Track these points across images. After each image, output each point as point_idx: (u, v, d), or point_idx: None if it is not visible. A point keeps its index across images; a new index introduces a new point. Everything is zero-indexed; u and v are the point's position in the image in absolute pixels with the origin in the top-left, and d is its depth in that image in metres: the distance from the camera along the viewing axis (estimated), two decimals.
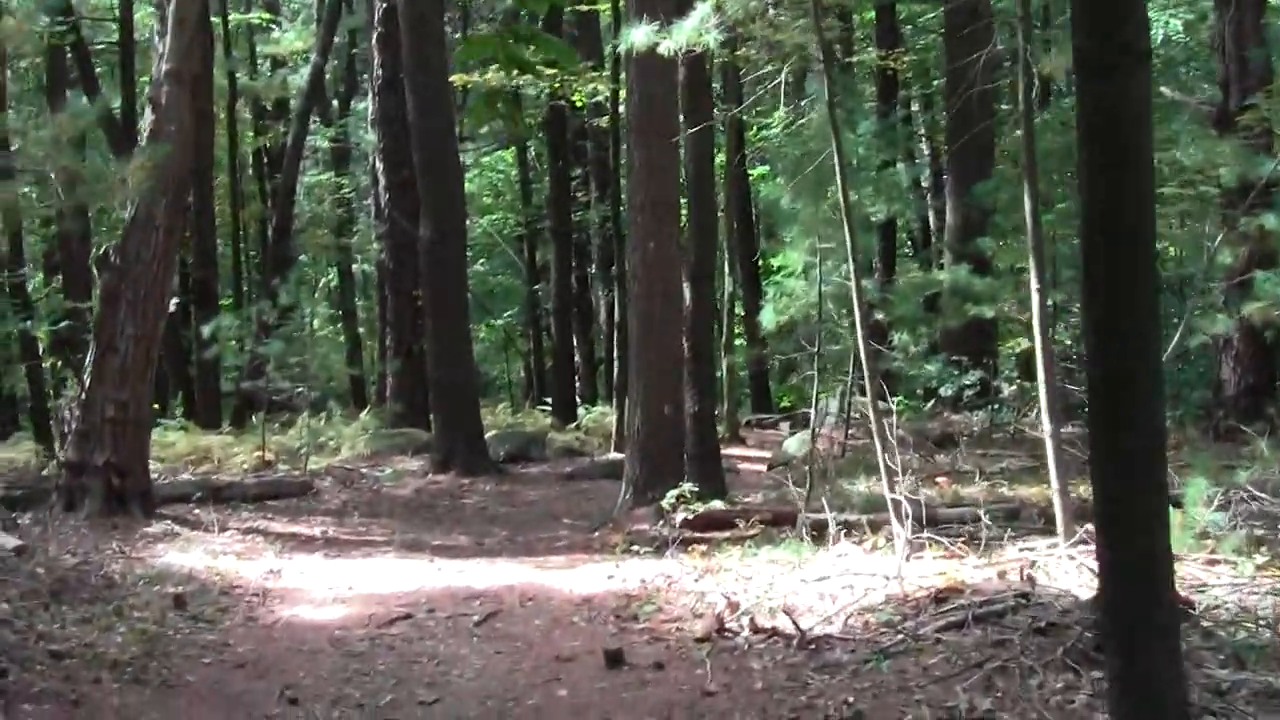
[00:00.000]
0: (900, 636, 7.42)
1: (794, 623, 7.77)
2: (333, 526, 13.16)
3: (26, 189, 13.76)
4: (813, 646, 7.46)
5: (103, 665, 7.32)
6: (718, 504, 12.24)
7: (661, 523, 12.04)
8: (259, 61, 31.67)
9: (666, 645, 7.88)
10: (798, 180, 14.19)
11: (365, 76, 31.01)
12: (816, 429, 15.04)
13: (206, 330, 18.37)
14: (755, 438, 22.86)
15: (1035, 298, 9.76)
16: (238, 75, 28.31)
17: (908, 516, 9.58)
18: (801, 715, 6.26)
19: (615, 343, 21.12)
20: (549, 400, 28.52)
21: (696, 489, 12.56)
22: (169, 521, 12.25)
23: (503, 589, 9.85)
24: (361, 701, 6.98)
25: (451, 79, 19.32)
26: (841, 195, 10.86)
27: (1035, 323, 9.89)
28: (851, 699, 6.37)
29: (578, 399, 27.80)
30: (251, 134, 32.75)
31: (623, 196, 18.17)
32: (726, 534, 11.71)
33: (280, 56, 31.46)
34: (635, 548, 11.29)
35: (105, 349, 12.41)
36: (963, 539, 9.93)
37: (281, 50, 30.88)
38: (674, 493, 11.54)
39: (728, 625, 8.19)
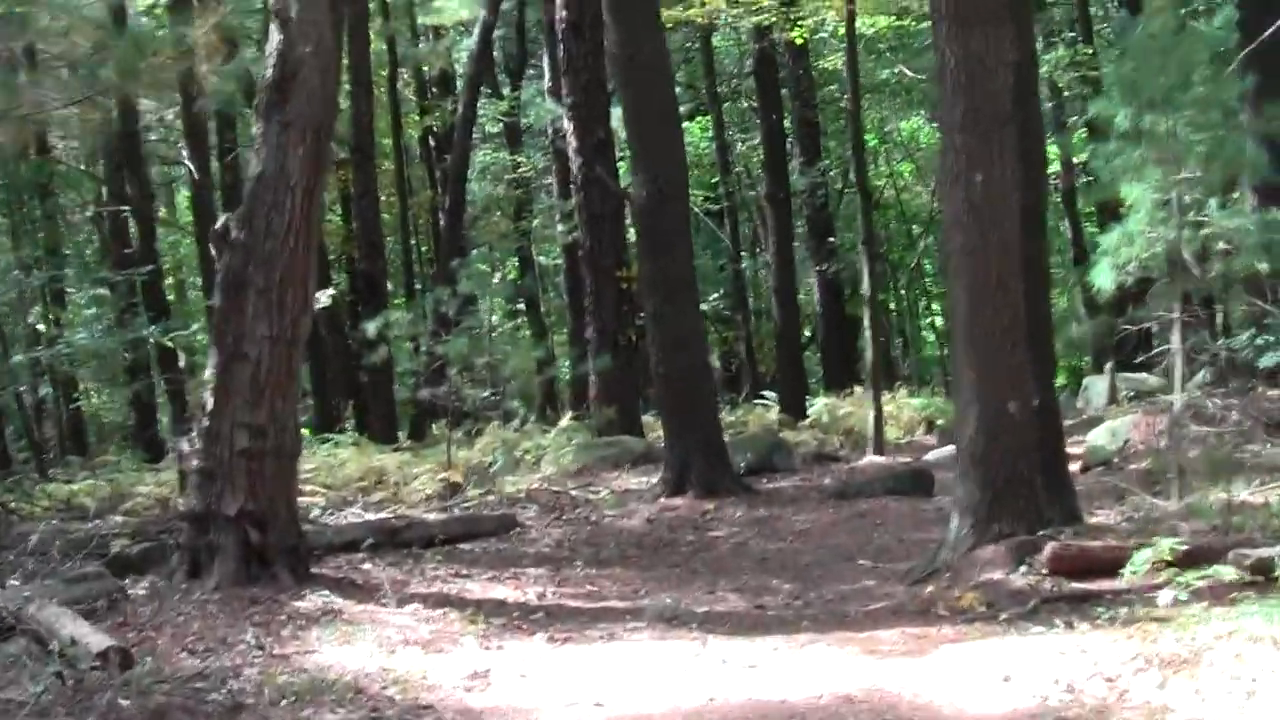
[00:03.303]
0: None
1: None
2: (550, 584, 9.64)
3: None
4: None
5: None
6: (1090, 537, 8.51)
7: (1025, 569, 8.34)
8: (420, 34, 28.64)
9: None
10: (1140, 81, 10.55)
11: (538, 39, 27.88)
12: (1177, 421, 11.22)
13: (372, 328, 15.04)
14: None
15: None
16: (397, 42, 25.25)
17: None
18: None
19: (867, 323, 17.29)
20: (766, 394, 24.85)
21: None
22: (326, 591, 8.82)
23: (837, 703, 6.20)
24: None
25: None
26: None
27: None
28: None
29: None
30: (416, 115, 29.77)
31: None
32: (1124, 582, 8.00)
33: (443, 28, 28.36)
34: (1000, 612, 7.63)
35: (230, 355, 9.05)
36: None
37: (445, 20, 27.63)
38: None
39: None
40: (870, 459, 15.85)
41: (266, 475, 9.04)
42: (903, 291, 32.00)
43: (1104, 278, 11.42)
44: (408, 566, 10.15)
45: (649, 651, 7.51)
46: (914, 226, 31.62)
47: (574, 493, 13.75)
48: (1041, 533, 8.68)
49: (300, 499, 10.69)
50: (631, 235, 20.50)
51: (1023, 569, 8.30)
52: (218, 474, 8.99)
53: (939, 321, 33.09)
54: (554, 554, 10.87)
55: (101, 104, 10.92)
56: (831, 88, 28.64)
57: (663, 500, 12.90)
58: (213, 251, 9.49)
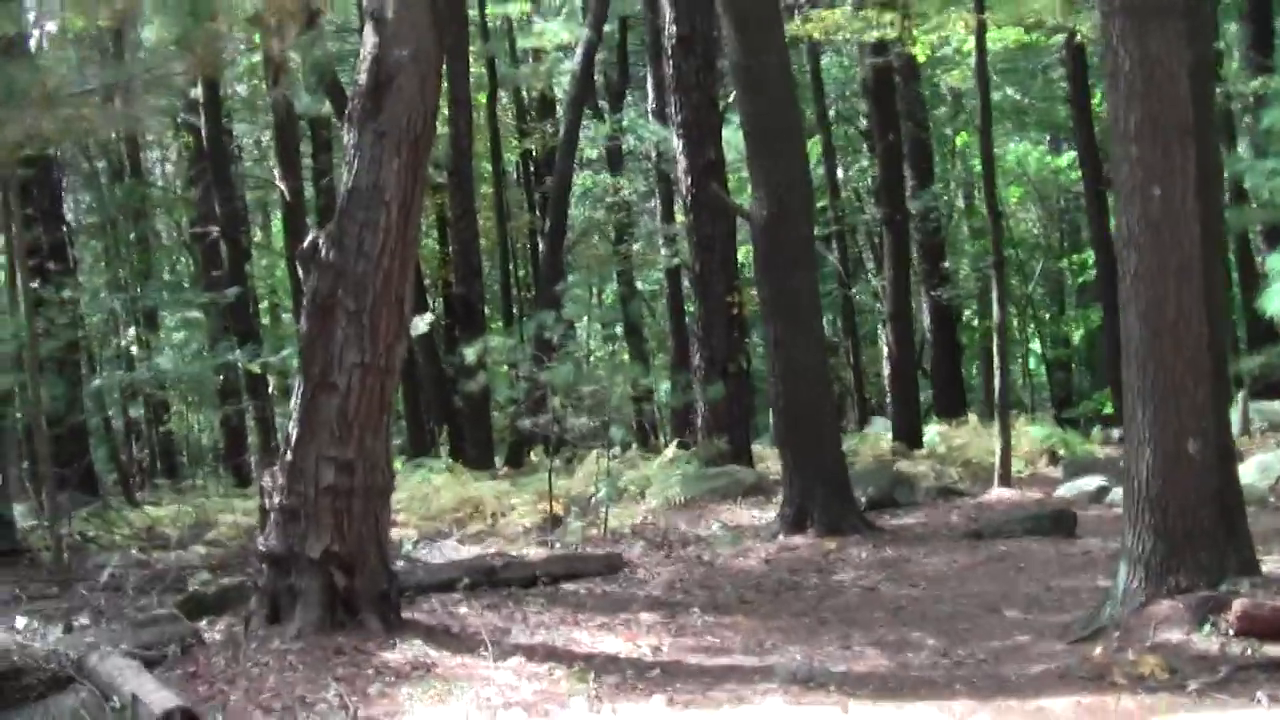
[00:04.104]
0: None
1: None
2: (666, 635, 8.73)
3: None
4: None
5: None
6: None
7: (1208, 629, 7.31)
8: (520, 56, 28.06)
9: None
10: None
11: (637, 62, 27.19)
12: None
13: (470, 353, 14.26)
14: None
15: None
16: (497, 64, 24.63)
17: None
18: None
19: (993, 349, 16.21)
20: (874, 420, 23.81)
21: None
22: (419, 640, 7.99)
23: None
24: None
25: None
26: None
27: None
28: None
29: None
30: (514, 138, 29.18)
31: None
32: None
33: (543, 51, 27.73)
34: (1186, 681, 6.63)
35: (317, 385, 8.26)
36: None
37: (545, 43, 27.01)
38: None
39: None
40: (998, 493, 14.79)
41: (354, 514, 8.23)
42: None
43: (1276, 304, 10.40)
44: (507, 610, 9.30)
45: (783, 718, 6.57)
46: (1018, 251, 30.47)
47: (683, 528, 12.86)
48: (1223, 587, 7.66)
49: (391, 530, 9.92)
50: (740, 258, 19.69)
51: (1206, 629, 7.28)
52: (301, 512, 8.19)
53: (1038, 347, 32.07)
54: (666, 598, 9.96)
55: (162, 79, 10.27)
56: (940, 111, 27.66)
57: (781, 538, 11.96)
58: (300, 272, 8.73)
